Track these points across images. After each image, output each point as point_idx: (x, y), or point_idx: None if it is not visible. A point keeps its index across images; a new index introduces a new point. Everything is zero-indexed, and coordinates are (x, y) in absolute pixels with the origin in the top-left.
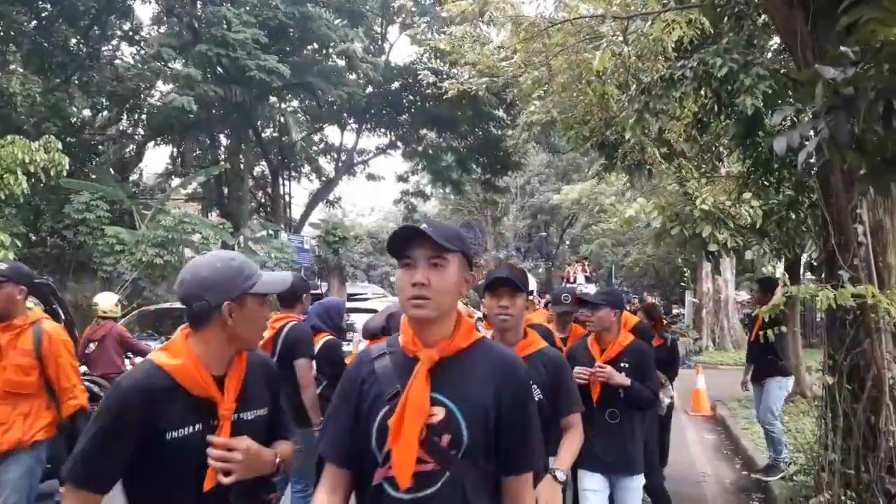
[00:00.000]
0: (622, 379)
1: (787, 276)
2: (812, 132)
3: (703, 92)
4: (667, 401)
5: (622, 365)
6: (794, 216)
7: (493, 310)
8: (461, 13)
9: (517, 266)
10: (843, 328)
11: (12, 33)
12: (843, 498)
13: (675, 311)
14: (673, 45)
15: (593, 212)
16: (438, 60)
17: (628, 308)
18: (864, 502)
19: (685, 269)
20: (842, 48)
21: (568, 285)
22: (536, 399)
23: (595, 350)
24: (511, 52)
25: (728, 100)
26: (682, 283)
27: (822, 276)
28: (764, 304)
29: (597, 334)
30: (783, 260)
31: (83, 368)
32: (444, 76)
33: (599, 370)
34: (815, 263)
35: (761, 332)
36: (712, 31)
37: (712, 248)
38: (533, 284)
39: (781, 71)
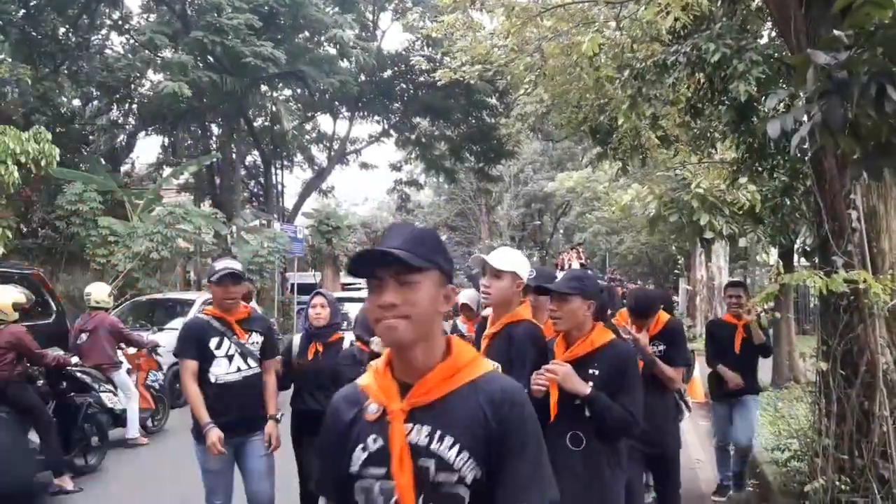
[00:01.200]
0: (579, 384)
1: (780, 262)
2: (805, 116)
3: (696, 77)
4: (686, 414)
5: (591, 371)
6: (788, 202)
7: (373, 313)
8: (453, 2)
9: (420, 226)
10: (836, 314)
11: (1, 23)
12: (837, 483)
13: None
14: (668, 29)
15: (588, 200)
16: (430, 49)
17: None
18: (859, 487)
19: (679, 257)
20: (835, 32)
21: (561, 272)
22: (471, 478)
23: (560, 353)
24: (503, 39)
25: (721, 85)
26: (675, 271)
27: (816, 262)
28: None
29: (565, 333)
30: (777, 246)
31: (75, 359)
32: (437, 64)
33: (550, 368)
34: (808, 249)
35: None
36: (709, 13)
37: (708, 235)
38: (524, 268)
39: (775, 56)
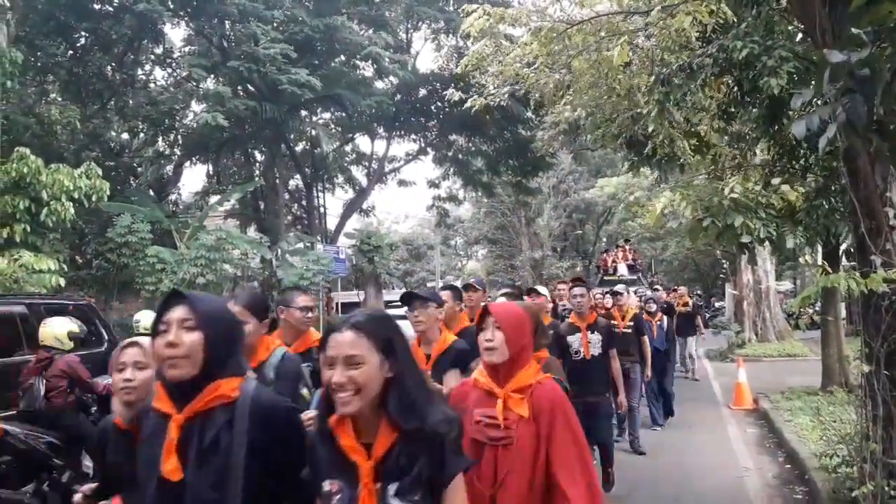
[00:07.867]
0: None
1: (825, 264)
2: (830, 115)
3: (725, 80)
4: None
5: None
6: (824, 203)
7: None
8: (480, 31)
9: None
10: (878, 314)
11: (50, 64)
12: (886, 489)
13: (717, 305)
14: (697, 34)
15: (629, 206)
16: (459, 67)
17: (662, 298)
18: None
19: (724, 262)
20: (853, 30)
21: (606, 277)
22: None
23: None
24: (533, 58)
25: (750, 86)
26: (721, 276)
27: (856, 262)
28: None
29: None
30: (822, 247)
31: None
32: (470, 86)
33: None
34: (852, 250)
35: None
36: (734, 20)
37: (745, 239)
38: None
39: (802, 54)
